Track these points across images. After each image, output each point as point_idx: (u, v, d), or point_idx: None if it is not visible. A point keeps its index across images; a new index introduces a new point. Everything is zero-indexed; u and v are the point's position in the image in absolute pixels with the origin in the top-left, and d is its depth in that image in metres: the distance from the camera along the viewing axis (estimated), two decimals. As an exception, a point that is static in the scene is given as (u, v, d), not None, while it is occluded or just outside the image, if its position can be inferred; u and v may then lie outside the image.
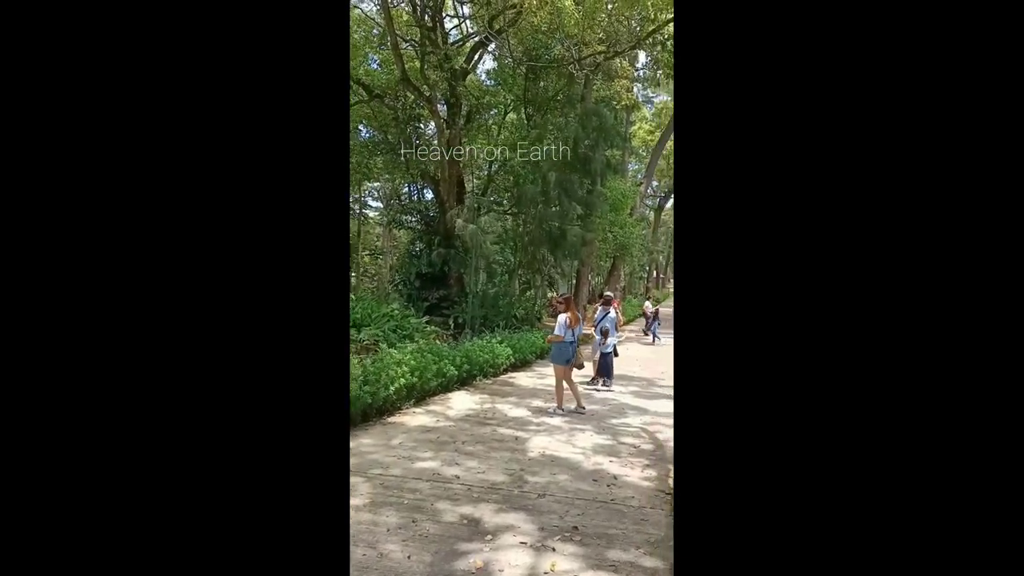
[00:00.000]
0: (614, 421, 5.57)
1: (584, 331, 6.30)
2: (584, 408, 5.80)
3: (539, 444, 4.62)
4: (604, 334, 7.47)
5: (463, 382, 6.78)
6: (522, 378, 7.73)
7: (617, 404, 6.37)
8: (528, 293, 14.98)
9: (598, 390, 7.21)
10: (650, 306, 14.33)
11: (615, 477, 3.92)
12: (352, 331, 7.17)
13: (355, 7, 10.81)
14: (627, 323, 15.74)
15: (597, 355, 7.60)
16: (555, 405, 5.76)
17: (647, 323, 13.93)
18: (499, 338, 8.52)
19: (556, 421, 5.40)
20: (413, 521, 2.97)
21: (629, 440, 4.91)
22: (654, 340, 13.08)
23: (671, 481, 3.90)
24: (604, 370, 7.47)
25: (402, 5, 10.49)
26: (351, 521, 2.93)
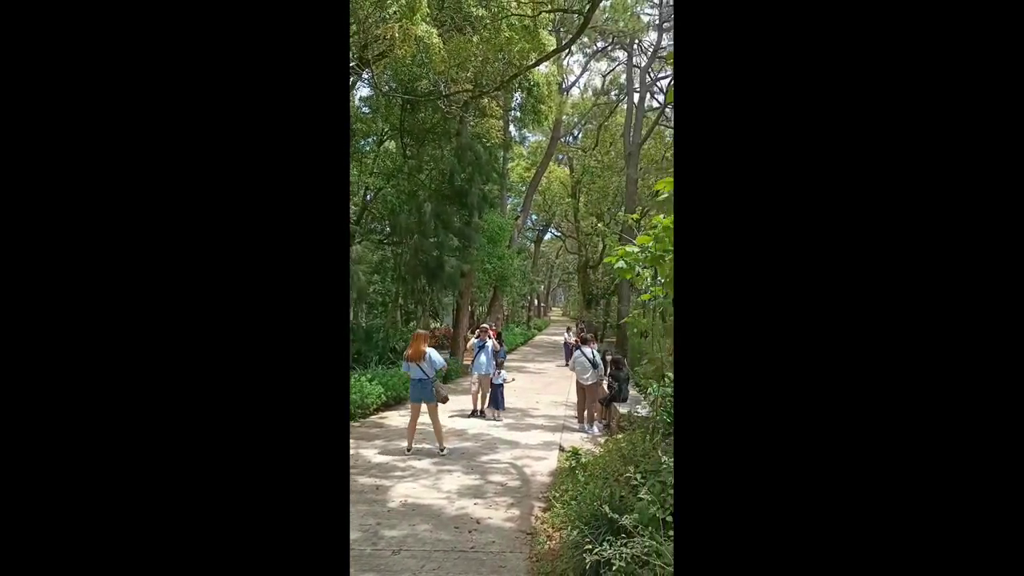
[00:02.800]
0: (484, 458, 5.49)
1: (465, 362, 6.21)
2: (444, 449, 5.57)
3: (402, 492, 4.37)
4: (500, 365, 7.64)
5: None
6: (394, 417, 7.37)
7: (489, 439, 6.31)
8: (411, 324, 14.57)
9: (488, 419, 7.24)
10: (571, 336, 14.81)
11: (478, 521, 3.81)
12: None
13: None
14: (509, 351, 15.96)
15: (475, 387, 7.61)
16: (407, 444, 5.58)
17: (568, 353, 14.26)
18: (369, 375, 8.07)
19: (423, 464, 5.18)
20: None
21: (497, 478, 4.84)
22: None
23: (533, 519, 3.89)
24: (495, 401, 7.48)
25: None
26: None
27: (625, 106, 18.04)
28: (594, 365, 6.67)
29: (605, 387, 6.77)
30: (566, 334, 15.39)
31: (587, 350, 6.79)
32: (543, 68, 10.74)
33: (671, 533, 2.34)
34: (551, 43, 8.71)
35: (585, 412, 6.95)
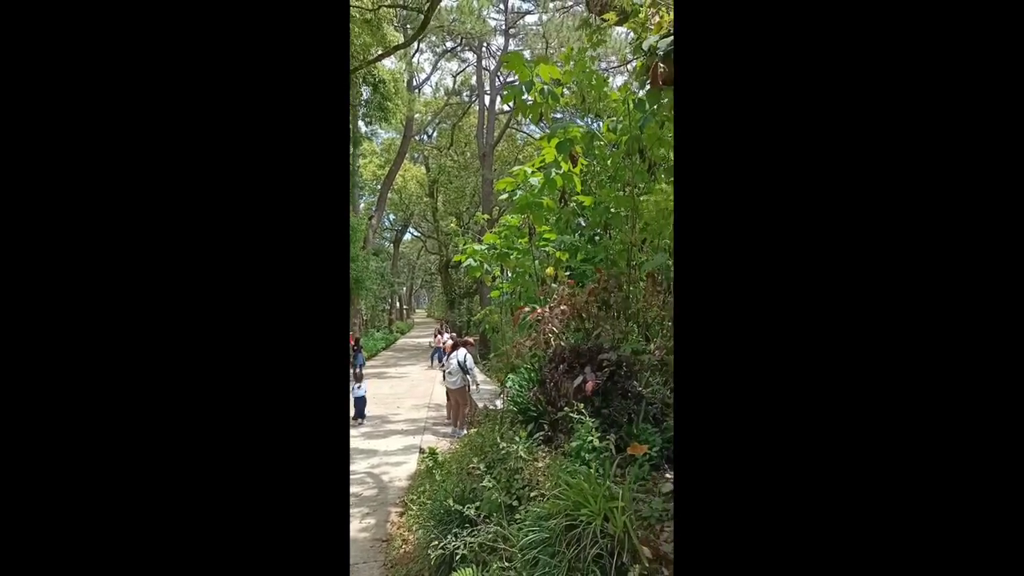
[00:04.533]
0: (338, 471, 5.21)
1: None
2: None
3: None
4: (358, 377, 7.42)
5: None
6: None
7: (345, 450, 6.00)
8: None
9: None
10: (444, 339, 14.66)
11: (329, 538, 3.61)
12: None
13: None
14: (369, 358, 15.35)
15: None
16: None
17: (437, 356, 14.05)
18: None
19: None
20: None
21: (352, 490, 4.63)
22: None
23: (389, 526, 3.80)
24: (358, 413, 7.44)
25: None
26: None
27: (477, 107, 18.45)
28: (464, 370, 6.68)
29: (475, 386, 6.87)
30: (437, 336, 15.28)
31: (458, 354, 6.77)
32: (390, 64, 10.50)
33: (517, 516, 2.45)
34: (396, 39, 8.55)
35: (452, 414, 6.98)
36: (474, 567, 2.41)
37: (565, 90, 3.96)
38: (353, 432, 6.91)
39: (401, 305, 38.43)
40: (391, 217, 25.12)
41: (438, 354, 14.28)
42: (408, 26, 12.40)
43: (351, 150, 13.20)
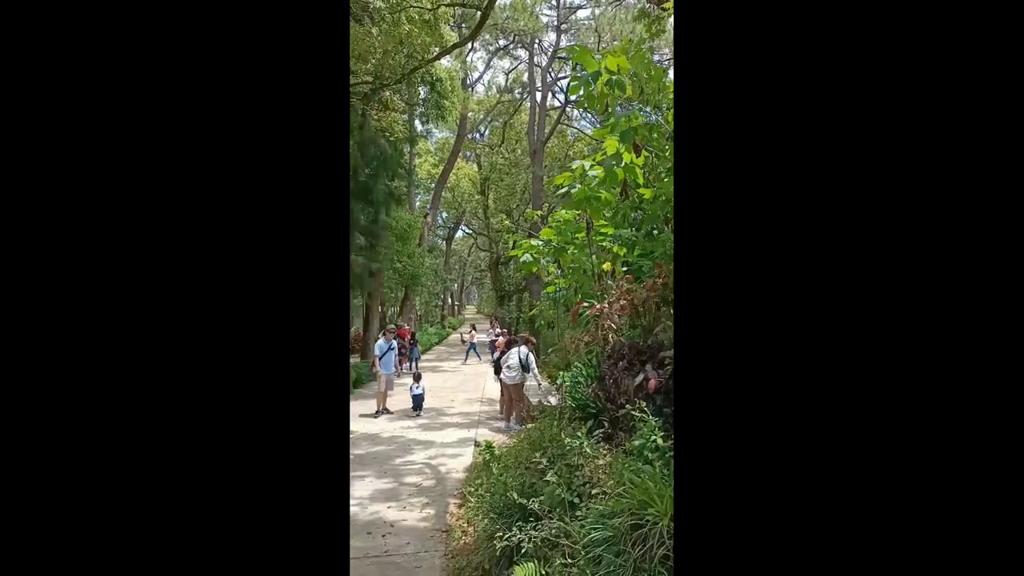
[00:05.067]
0: (397, 461, 5.37)
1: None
2: None
3: (309, 503, 4.15)
4: (417, 378, 7.87)
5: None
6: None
7: (403, 441, 6.18)
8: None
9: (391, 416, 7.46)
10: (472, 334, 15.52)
11: (392, 525, 3.73)
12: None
13: None
14: (424, 352, 15.74)
15: (382, 387, 7.80)
16: None
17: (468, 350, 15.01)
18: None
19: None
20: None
21: (412, 479, 4.77)
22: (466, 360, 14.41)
23: (448, 516, 3.87)
24: (417, 405, 7.76)
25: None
26: None
27: (528, 104, 18.44)
28: (525, 367, 6.69)
29: (537, 384, 6.88)
30: (471, 332, 15.81)
31: (520, 351, 6.81)
32: (446, 63, 10.67)
33: (578, 513, 2.44)
34: (452, 38, 8.68)
35: (507, 409, 7.04)
36: (536, 562, 2.42)
37: (626, 80, 3.88)
38: (410, 423, 7.12)
39: (453, 301, 39.09)
40: (444, 215, 25.56)
41: (473, 349, 14.96)
42: (464, 25, 12.57)
43: (408, 149, 13.54)
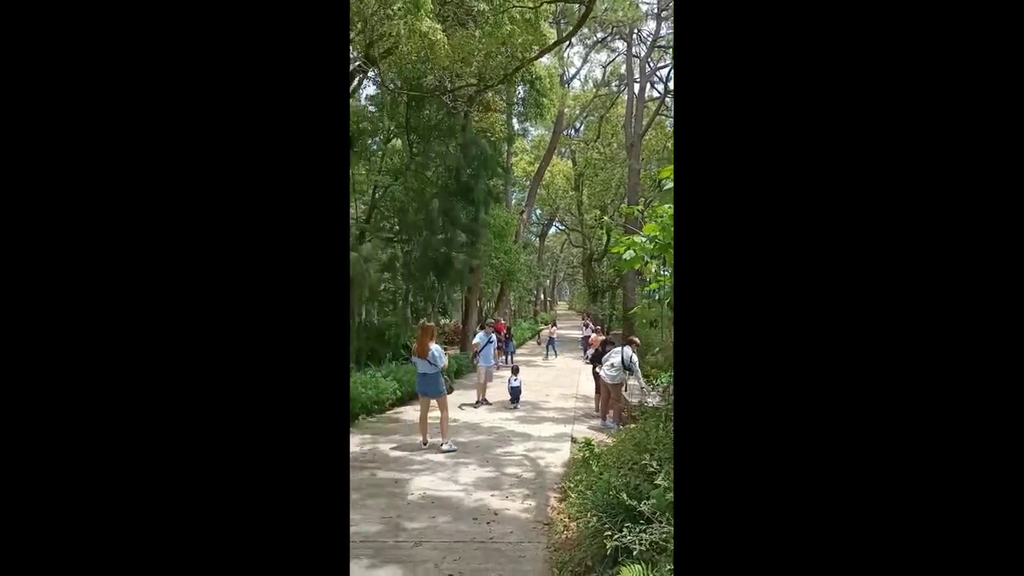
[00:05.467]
0: (498, 451, 5.56)
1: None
2: (446, 444, 5.48)
3: (420, 485, 4.44)
4: (515, 372, 8.01)
5: (342, 423, 6.34)
6: (409, 412, 7.45)
7: (503, 432, 6.38)
8: (421, 321, 14.66)
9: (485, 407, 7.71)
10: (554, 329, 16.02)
11: (495, 513, 3.88)
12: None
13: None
14: (517, 346, 16.07)
15: (481, 378, 8.11)
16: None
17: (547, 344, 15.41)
18: (384, 371, 8.19)
19: (440, 458, 5.25)
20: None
21: (512, 470, 4.91)
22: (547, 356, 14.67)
23: (549, 510, 3.95)
24: (514, 398, 7.90)
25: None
26: None
27: (625, 97, 17.96)
28: (627, 368, 6.53)
29: (639, 386, 6.74)
30: (552, 327, 16.05)
31: (624, 351, 6.65)
32: (545, 61, 10.72)
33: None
34: (552, 35, 8.71)
35: (603, 407, 7.00)
36: (643, 565, 2.40)
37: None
38: (508, 415, 7.32)
39: (545, 297, 39.31)
40: (538, 212, 25.76)
41: (552, 344, 15.24)
42: (563, 20, 12.55)
43: (506, 148, 13.83)
